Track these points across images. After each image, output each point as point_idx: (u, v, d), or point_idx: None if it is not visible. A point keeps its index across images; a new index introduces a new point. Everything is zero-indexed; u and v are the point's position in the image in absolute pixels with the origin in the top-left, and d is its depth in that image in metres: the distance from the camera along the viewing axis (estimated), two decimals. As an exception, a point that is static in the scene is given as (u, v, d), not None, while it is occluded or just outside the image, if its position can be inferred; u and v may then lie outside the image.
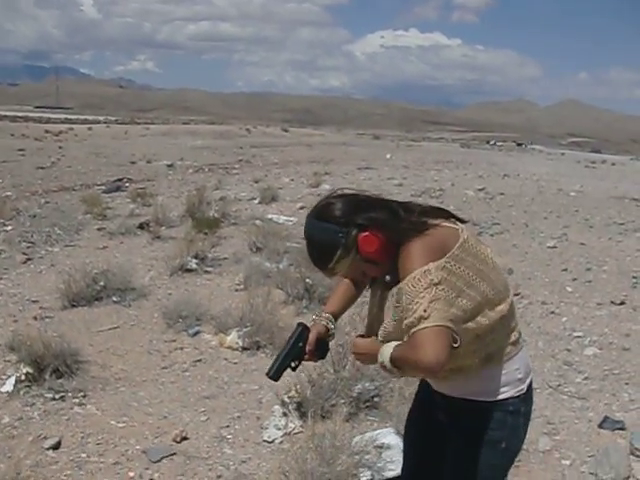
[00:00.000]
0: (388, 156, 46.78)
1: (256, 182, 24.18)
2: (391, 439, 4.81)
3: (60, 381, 5.99)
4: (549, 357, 7.18)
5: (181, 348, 7.23)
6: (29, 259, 11.22)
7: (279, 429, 5.33)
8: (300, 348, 2.89)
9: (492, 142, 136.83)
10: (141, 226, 13.69)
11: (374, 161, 39.93)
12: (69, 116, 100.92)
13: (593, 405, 5.98)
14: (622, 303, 9.08)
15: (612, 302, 9.12)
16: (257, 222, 14.05)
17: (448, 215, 2.69)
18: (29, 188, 20.61)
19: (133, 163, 31.39)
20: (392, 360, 2.40)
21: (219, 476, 4.77)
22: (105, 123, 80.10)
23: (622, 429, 5.44)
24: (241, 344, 7.11)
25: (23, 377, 5.95)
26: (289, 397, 5.46)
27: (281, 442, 5.20)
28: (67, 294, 8.41)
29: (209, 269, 10.51)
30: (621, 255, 12.37)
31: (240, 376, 6.51)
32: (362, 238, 2.50)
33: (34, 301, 8.71)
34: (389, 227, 2.51)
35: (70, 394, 5.88)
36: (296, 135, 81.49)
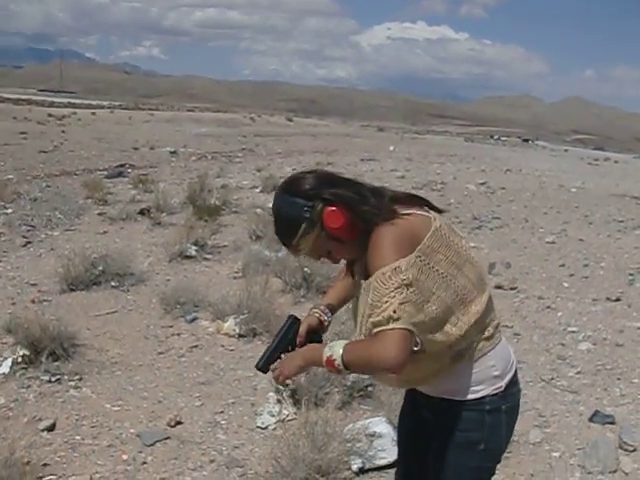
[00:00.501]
0: (391, 148, 46.70)
1: (258, 171, 24.18)
2: (383, 428, 4.84)
3: (56, 364, 6.03)
4: (543, 351, 7.22)
5: (178, 334, 7.27)
6: (29, 242, 11.25)
7: (273, 416, 5.37)
8: (290, 340, 2.82)
9: (496, 137, 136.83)
10: (142, 212, 13.72)
11: (377, 153, 39.91)
12: (73, 100, 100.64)
13: (584, 399, 6.02)
14: (618, 300, 9.13)
15: (608, 298, 9.17)
16: (258, 211, 14.05)
17: (422, 203, 2.60)
18: (31, 171, 20.56)
19: (136, 149, 31.33)
20: (345, 358, 2.31)
21: (212, 460, 4.82)
22: (109, 108, 79.80)
23: (612, 423, 5.49)
24: (238, 331, 7.15)
25: (19, 359, 5.98)
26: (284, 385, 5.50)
27: (274, 429, 5.24)
28: (66, 278, 8.45)
29: (208, 256, 10.55)
30: (619, 252, 12.41)
31: (236, 363, 6.55)
32: (328, 213, 2.44)
33: (33, 284, 8.74)
34: (356, 207, 2.44)
35: (66, 377, 5.92)
36: (300, 125, 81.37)
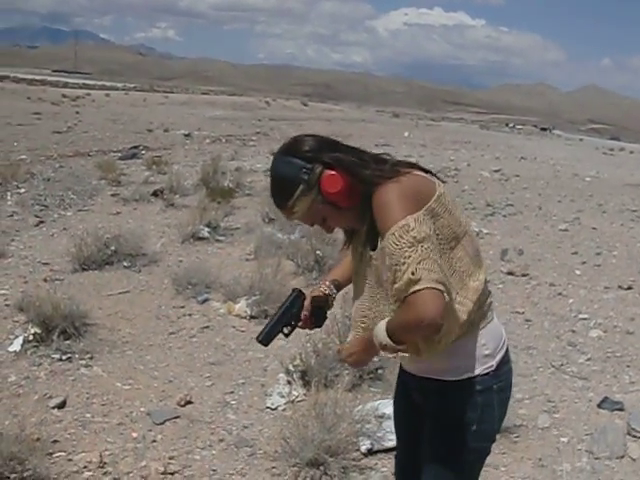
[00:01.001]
0: (406, 134, 46.59)
1: (272, 154, 24.12)
2: (392, 410, 4.85)
3: (68, 342, 6.06)
4: (554, 337, 7.22)
5: (189, 314, 7.29)
6: (42, 222, 11.28)
7: (282, 397, 5.39)
8: (294, 314, 2.77)
9: (511, 125, 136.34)
10: (155, 193, 13.74)
11: (392, 139, 39.78)
12: (87, 81, 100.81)
13: (594, 386, 6.02)
14: (629, 288, 9.12)
15: (619, 286, 9.17)
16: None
17: (425, 171, 2.48)
18: (44, 152, 20.59)
19: (150, 131, 31.34)
20: (389, 334, 2.25)
21: (221, 440, 4.84)
22: (123, 90, 79.88)
23: (621, 410, 5.49)
24: (249, 312, 7.17)
25: (31, 337, 6.01)
26: (294, 366, 5.52)
27: (284, 409, 5.25)
28: (78, 257, 8.47)
29: (221, 238, 10.57)
30: (632, 241, 12.39)
31: (247, 344, 6.56)
32: (326, 176, 2.36)
33: (45, 263, 8.77)
34: (356, 171, 2.36)
35: (77, 355, 5.95)
36: (315, 110, 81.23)
